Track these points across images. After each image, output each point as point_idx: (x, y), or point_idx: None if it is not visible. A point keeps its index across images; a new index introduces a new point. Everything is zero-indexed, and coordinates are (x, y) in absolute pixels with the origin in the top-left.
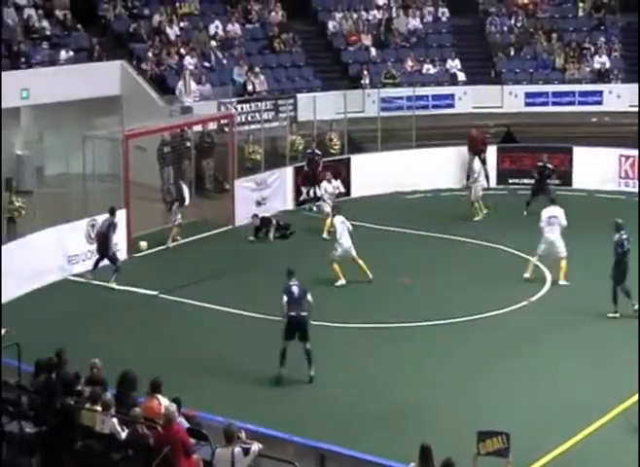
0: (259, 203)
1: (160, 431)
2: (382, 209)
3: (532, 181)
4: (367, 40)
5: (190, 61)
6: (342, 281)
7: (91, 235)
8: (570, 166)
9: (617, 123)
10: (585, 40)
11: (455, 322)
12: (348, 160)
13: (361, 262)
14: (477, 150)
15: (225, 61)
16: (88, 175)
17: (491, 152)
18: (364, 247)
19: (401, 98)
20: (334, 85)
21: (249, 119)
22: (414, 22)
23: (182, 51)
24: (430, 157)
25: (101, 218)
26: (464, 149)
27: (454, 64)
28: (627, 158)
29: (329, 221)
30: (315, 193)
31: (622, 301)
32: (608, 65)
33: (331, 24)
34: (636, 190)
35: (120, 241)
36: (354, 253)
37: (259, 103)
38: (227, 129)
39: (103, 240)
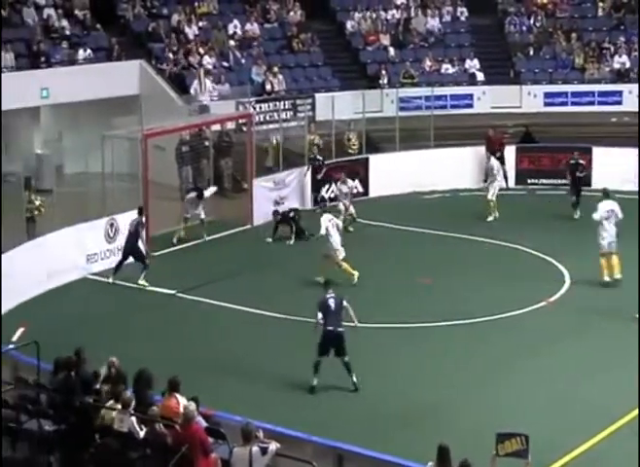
0: (277, 203)
1: (178, 430)
2: (400, 209)
3: (565, 181)
4: (385, 40)
5: (208, 61)
6: (355, 276)
7: (110, 234)
8: (589, 167)
9: (636, 123)
10: (604, 40)
11: (474, 322)
12: (366, 160)
13: (326, 266)
14: (493, 150)
15: (243, 61)
16: (107, 174)
17: (510, 152)
18: (382, 247)
19: (419, 98)
20: (352, 84)
21: (267, 118)
22: (433, 22)
23: (200, 50)
24: (448, 157)
25: (120, 217)
26: (482, 149)
27: (473, 64)
28: None
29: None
30: (322, 196)
31: None
32: (628, 65)
33: (349, 24)
34: None
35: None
36: (342, 254)
37: (277, 103)
38: (245, 129)
39: (132, 240)
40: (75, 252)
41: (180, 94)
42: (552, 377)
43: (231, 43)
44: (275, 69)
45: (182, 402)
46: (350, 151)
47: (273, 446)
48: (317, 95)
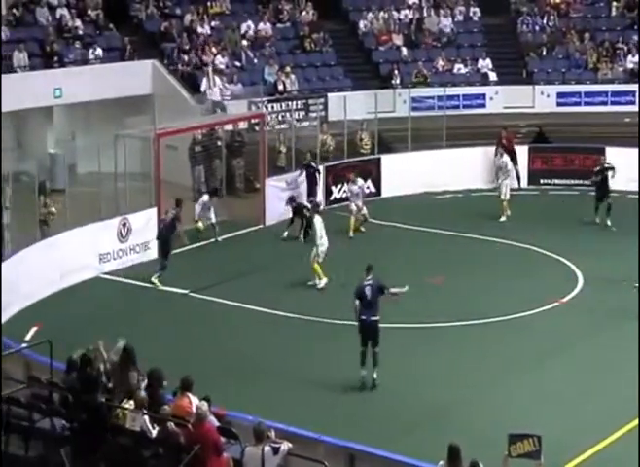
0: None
1: (190, 429)
2: (412, 209)
3: (592, 186)
4: (398, 39)
5: (221, 61)
6: (325, 280)
7: (122, 234)
8: (594, 168)
9: None
10: (617, 39)
11: (488, 322)
12: (379, 159)
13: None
14: (506, 149)
15: (256, 61)
16: (120, 174)
17: (522, 152)
18: (394, 247)
19: (432, 98)
20: (364, 84)
21: (280, 118)
22: (446, 22)
23: (213, 50)
24: (461, 157)
25: (133, 216)
26: (494, 149)
27: (485, 64)
28: None
29: (352, 220)
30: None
31: None
32: None
33: (362, 24)
34: None
35: (151, 240)
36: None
37: (289, 103)
38: (257, 129)
39: (168, 233)
40: (87, 251)
41: (192, 94)
42: (565, 377)
43: (244, 43)
44: (288, 69)
45: (194, 401)
46: (363, 151)
47: (285, 445)
48: (329, 95)
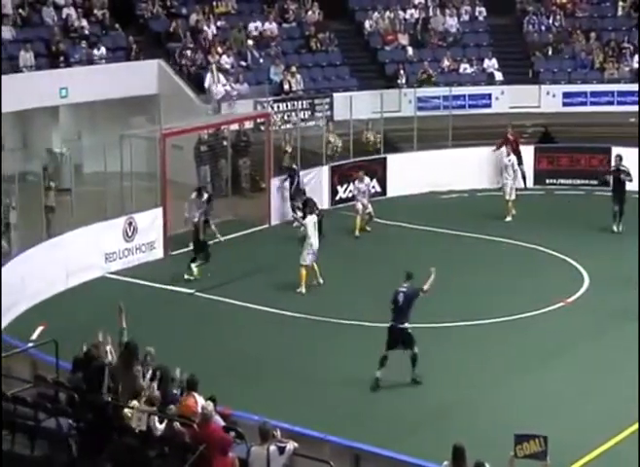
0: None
1: (196, 429)
2: (418, 209)
3: (608, 189)
4: (403, 39)
5: (226, 60)
6: (303, 289)
7: (128, 233)
8: (608, 167)
9: None
10: (623, 39)
11: (493, 322)
12: (384, 159)
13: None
14: (512, 149)
15: (261, 61)
16: (126, 174)
17: (528, 152)
18: (399, 247)
19: (437, 98)
20: (370, 84)
21: (285, 118)
22: (451, 22)
23: (219, 49)
24: (466, 156)
25: (138, 216)
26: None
27: (491, 64)
28: None
29: (358, 220)
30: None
31: None
32: None
33: (367, 24)
34: None
35: (157, 239)
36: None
37: (295, 102)
38: (263, 128)
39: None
40: (93, 251)
41: (198, 94)
42: (571, 377)
43: (250, 42)
44: (293, 69)
45: (200, 401)
46: (369, 149)
47: (291, 445)
48: (335, 95)
